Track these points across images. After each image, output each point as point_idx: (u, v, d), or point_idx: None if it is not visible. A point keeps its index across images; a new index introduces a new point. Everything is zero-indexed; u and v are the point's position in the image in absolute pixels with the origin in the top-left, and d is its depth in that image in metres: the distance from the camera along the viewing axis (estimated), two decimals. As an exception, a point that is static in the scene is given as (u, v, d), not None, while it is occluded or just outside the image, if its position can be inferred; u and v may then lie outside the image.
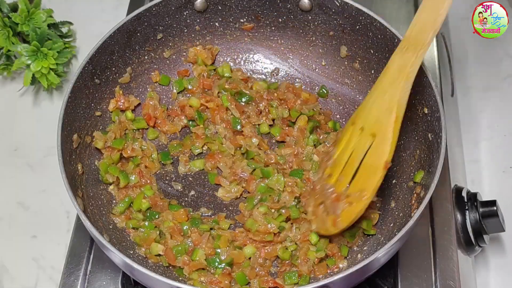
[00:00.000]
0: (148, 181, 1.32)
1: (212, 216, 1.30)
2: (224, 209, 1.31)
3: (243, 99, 1.40)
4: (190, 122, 1.40)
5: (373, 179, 1.15)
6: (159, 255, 1.23)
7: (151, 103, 1.40)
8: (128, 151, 1.33)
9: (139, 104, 1.41)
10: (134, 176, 1.31)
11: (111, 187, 1.30)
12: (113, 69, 1.35)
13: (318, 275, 1.21)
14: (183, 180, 1.35)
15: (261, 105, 1.39)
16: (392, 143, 1.14)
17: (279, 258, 1.24)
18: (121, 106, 1.37)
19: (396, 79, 1.14)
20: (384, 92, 1.16)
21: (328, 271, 1.22)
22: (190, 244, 1.23)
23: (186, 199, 1.33)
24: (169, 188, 1.34)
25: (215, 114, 1.39)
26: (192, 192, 1.34)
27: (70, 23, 1.66)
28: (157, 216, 1.27)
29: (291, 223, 1.27)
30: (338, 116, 1.43)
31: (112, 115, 1.36)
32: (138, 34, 1.36)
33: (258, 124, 1.39)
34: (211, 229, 1.25)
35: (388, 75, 1.16)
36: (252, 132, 1.37)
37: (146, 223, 1.25)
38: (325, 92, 1.44)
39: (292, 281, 1.18)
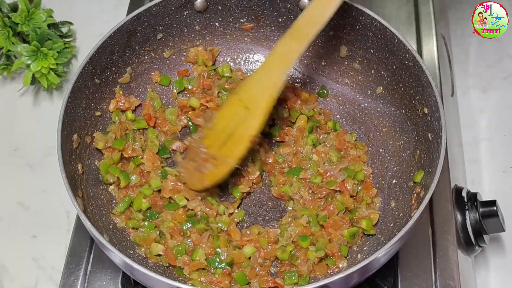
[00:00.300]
0: (152, 175, 1.32)
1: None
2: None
3: None
4: (190, 124, 1.40)
5: (238, 148, 1.24)
6: (159, 255, 1.23)
7: (151, 103, 1.40)
8: (129, 151, 1.33)
9: (139, 104, 1.41)
10: (134, 176, 1.31)
11: (112, 187, 1.30)
12: (113, 69, 1.35)
13: (318, 275, 1.21)
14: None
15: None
16: (260, 120, 1.23)
17: (279, 259, 1.24)
18: (121, 107, 1.37)
19: (278, 63, 1.23)
20: (266, 72, 1.24)
21: (329, 271, 1.22)
22: (190, 244, 1.23)
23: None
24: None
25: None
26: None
27: (70, 23, 1.66)
28: (156, 216, 1.27)
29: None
30: (338, 116, 1.43)
31: (112, 115, 1.36)
32: (138, 34, 1.36)
33: None
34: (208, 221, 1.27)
35: (273, 57, 1.24)
36: None
37: (146, 223, 1.25)
38: (325, 92, 1.44)
39: (292, 281, 1.18)
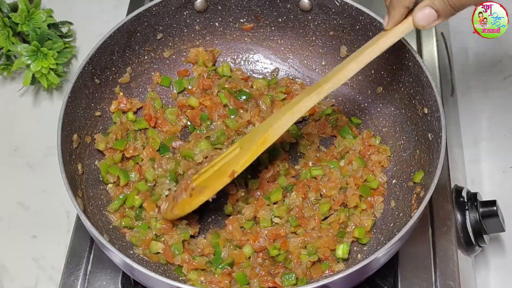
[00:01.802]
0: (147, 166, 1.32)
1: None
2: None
3: (243, 97, 1.40)
4: (189, 123, 1.40)
5: (218, 181, 1.19)
6: (158, 253, 1.23)
7: (152, 103, 1.40)
8: (130, 150, 1.33)
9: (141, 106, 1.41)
10: (134, 173, 1.31)
11: (110, 185, 1.30)
12: (113, 69, 1.35)
13: (316, 277, 1.21)
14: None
15: (260, 102, 1.39)
16: (247, 158, 1.17)
17: (274, 260, 1.24)
18: (123, 108, 1.37)
19: (286, 110, 1.18)
20: (272, 118, 1.20)
21: (326, 273, 1.21)
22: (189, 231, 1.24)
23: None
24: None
25: (213, 112, 1.39)
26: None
27: (70, 23, 1.66)
28: (143, 214, 1.27)
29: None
30: (338, 116, 1.43)
31: (113, 116, 1.36)
32: (138, 34, 1.36)
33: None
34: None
35: (285, 106, 1.21)
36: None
37: (140, 223, 1.25)
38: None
39: (290, 283, 1.18)
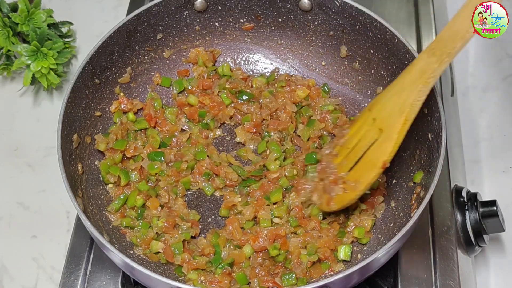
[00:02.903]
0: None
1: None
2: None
3: (244, 97, 1.40)
4: (187, 121, 1.40)
5: (369, 174, 1.16)
6: (158, 252, 1.23)
7: (152, 103, 1.40)
8: (131, 150, 1.33)
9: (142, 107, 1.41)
10: (134, 173, 1.31)
11: (110, 185, 1.30)
12: (113, 69, 1.35)
13: (316, 277, 1.21)
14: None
15: (261, 101, 1.40)
16: (395, 144, 1.13)
17: (274, 260, 1.24)
18: (124, 108, 1.37)
19: (416, 81, 1.11)
20: (402, 90, 1.13)
21: (326, 273, 1.21)
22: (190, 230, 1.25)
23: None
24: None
25: (213, 111, 1.39)
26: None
27: (70, 23, 1.66)
28: (146, 213, 1.27)
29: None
30: (338, 116, 1.43)
31: (114, 116, 1.36)
32: (138, 34, 1.36)
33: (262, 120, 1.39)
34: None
35: (411, 74, 1.12)
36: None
37: (140, 223, 1.25)
38: (327, 90, 1.44)
39: (290, 283, 1.18)
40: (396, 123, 1.13)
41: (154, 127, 1.39)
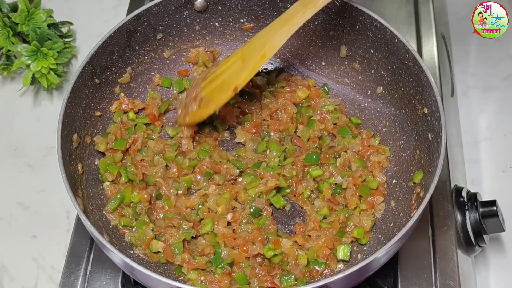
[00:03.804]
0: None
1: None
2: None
3: (245, 97, 1.41)
4: None
5: (222, 96, 1.28)
6: (158, 252, 1.23)
7: (155, 103, 1.40)
8: (133, 146, 1.33)
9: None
10: (132, 169, 1.31)
11: (107, 183, 1.30)
12: (113, 69, 1.35)
13: (316, 277, 1.21)
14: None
15: (262, 102, 1.40)
16: (249, 74, 1.26)
17: (270, 262, 1.24)
18: (124, 108, 1.37)
19: (282, 25, 1.24)
20: (269, 32, 1.26)
21: (326, 273, 1.21)
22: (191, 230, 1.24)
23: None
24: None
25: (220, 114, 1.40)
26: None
27: (70, 23, 1.66)
28: (139, 209, 1.27)
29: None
30: (338, 116, 1.43)
31: (114, 116, 1.36)
32: (138, 34, 1.36)
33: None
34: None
35: (279, 20, 1.26)
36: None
37: (135, 222, 1.25)
38: (327, 90, 1.44)
39: (289, 283, 1.18)
40: (255, 55, 1.26)
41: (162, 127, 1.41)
